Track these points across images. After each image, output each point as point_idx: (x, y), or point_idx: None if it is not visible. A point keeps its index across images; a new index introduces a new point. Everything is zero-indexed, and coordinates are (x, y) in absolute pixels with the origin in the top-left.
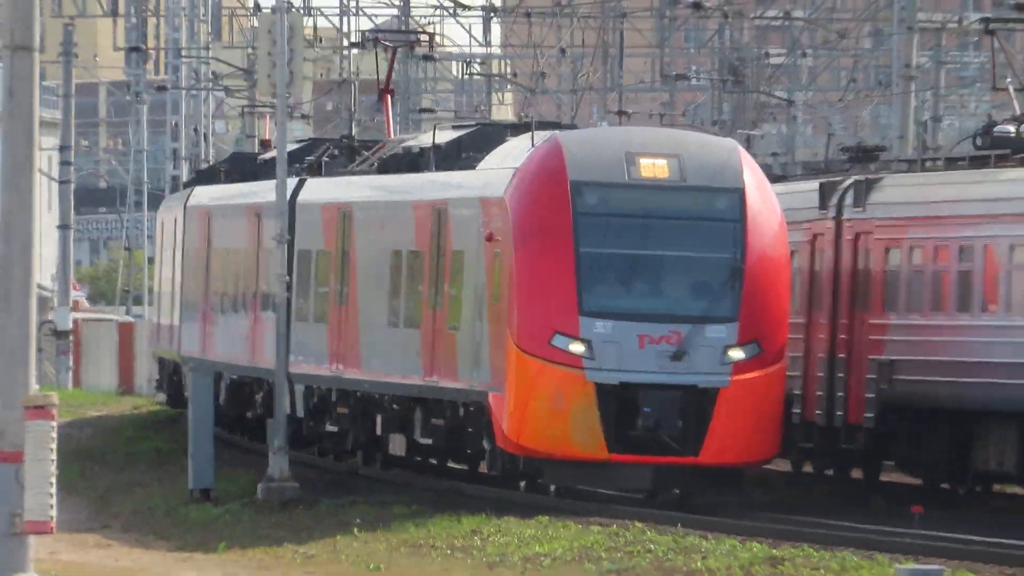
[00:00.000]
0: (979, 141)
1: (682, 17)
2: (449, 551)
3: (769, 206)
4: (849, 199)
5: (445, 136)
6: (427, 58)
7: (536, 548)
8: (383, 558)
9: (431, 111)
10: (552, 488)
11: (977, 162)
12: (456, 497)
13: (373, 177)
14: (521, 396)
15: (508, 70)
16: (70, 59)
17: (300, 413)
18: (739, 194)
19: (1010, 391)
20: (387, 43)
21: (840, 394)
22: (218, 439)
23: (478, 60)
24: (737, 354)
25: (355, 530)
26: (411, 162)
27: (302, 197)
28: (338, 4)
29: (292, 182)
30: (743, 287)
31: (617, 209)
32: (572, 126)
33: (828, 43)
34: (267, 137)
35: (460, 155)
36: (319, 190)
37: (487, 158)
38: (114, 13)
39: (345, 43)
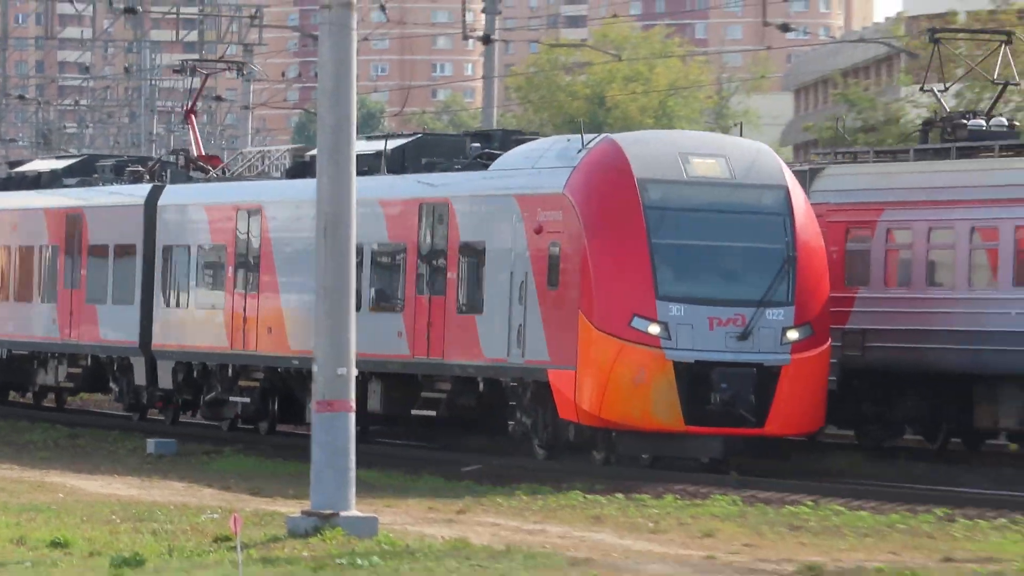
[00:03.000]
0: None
1: None
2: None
3: (805, 200)
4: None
5: (380, 145)
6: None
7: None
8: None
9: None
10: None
11: (921, 153)
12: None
13: (299, 181)
14: (601, 372)
15: None
16: None
17: None
18: (784, 190)
19: (919, 355)
20: (202, 70)
21: None
22: None
23: None
24: (793, 335)
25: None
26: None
27: (167, 200)
28: None
29: (146, 187)
30: (796, 274)
31: (679, 203)
32: (533, 135)
33: None
34: None
35: (404, 160)
36: (196, 193)
37: (503, 159)
38: None
39: None
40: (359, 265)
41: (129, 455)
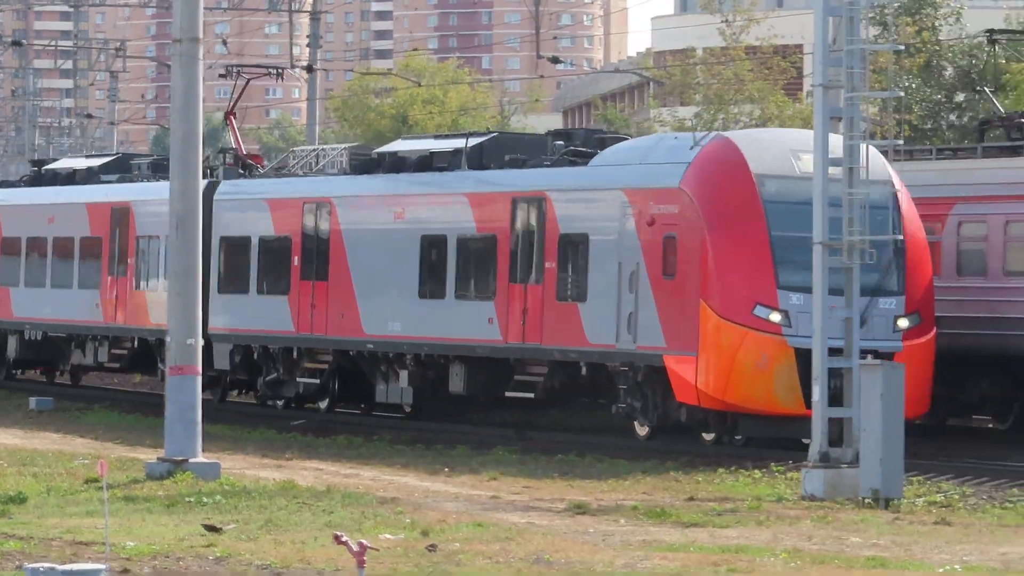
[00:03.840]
0: None
1: None
2: None
3: (907, 195)
4: None
5: (460, 143)
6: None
7: None
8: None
9: None
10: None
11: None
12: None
13: (366, 177)
14: (724, 358)
15: None
16: None
17: None
18: (891, 185)
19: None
20: (245, 75)
21: None
22: None
23: None
24: (904, 323)
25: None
26: (421, 163)
27: (223, 195)
28: None
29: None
30: (905, 265)
31: (794, 198)
32: (616, 135)
33: None
34: None
35: (483, 157)
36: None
37: (603, 155)
38: None
39: None
40: (443, 258)
41: (15, 410)
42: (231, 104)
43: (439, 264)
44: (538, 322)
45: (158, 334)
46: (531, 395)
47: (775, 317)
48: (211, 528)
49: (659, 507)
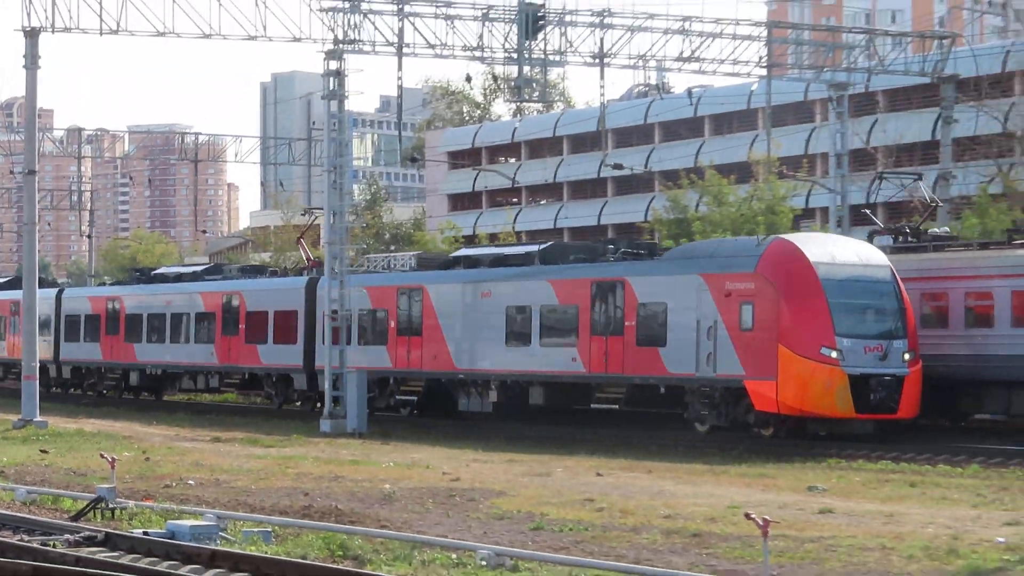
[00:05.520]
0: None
1: None
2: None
3: (896, 273)
4: None
5: (532, 247)
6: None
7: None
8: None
9: None
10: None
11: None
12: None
13: (450, 271)
14: (801, 381)
15: None
16: None
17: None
18: (890, 268)
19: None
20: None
21: None
22: None
23: None
24: (908, 356)
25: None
26: (496, 261)
27: (323, 285)
28: None
29: (304, 279)
30: (906, 319)
31: (838, 277)
32: (639, 246)
33: None
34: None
35: (546, 257)
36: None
37: (674, 251)
38: None
39: None
40: (528, 319)
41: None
42: (301, 233)
43: (524, 323)
44: (620, 359)
45: (261, 370)
46: (615, 407)
47: (834, 355)
48: (44, 451)
49: (254, 437)
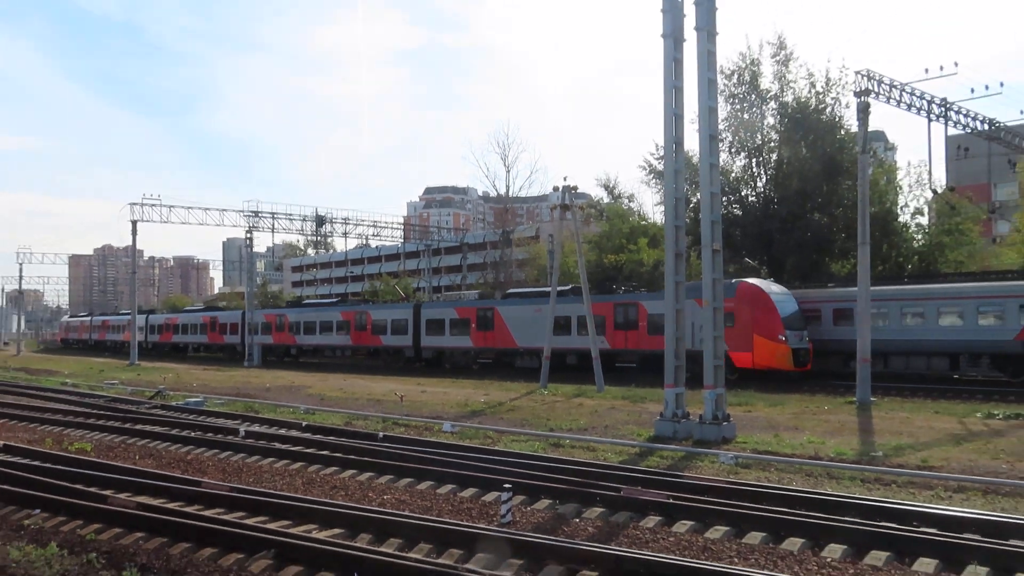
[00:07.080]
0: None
1: None
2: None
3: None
4: None
5: (566, 287)
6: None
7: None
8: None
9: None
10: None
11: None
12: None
13: (509, 300)
14: (763, 352)
15: None
16: None
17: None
18: (793, 295)
19: None
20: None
21: None
22: None
23: None
24: (807, 341)
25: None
26: (539, 295)
27: (425, 309)
28: None
29: (411, 305)
30: (805, 321)
31: (781, 300)
32: (631, 288)
33: None
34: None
35: (573, 292)
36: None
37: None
38: None
39: None
40: (568, 323)
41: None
42: (405, 296)
43: (565, 324)
44: (636, 341)
45: (382, 349)
46: (633, 365)
47: (782, 338)
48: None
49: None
